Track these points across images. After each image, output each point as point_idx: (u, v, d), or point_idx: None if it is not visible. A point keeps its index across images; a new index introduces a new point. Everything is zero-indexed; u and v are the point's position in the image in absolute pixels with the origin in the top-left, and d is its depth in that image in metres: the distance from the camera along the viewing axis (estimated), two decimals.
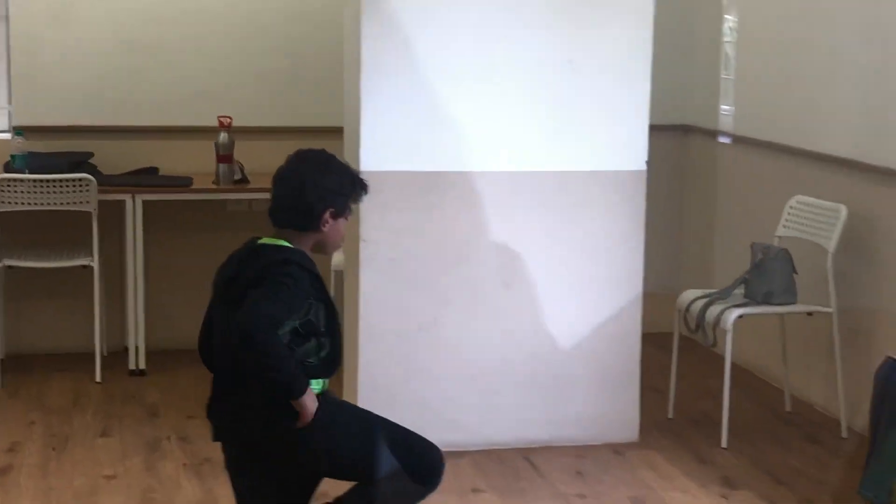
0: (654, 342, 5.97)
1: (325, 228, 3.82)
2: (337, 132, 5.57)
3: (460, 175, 5.11)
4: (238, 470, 3.87)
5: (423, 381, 5.15)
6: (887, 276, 5.41)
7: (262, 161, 6.50)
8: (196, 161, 6.44)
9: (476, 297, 5.18)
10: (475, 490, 4.84)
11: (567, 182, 5.20)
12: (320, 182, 3.79)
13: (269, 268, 3.70)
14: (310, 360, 3.74)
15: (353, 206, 3.89)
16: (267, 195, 6.46)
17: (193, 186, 6.23)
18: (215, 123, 6.25)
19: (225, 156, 6.25)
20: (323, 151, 3.90)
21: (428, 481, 3.85)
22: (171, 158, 6.48)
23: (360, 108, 5.01)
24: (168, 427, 5.47)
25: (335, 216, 3.82)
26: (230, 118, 6.25)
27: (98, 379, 6.05)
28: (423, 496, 3.88)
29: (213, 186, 6.26)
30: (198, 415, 5.53)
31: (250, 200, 6.52)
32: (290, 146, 6.63)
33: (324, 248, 3.89)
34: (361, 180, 3.90)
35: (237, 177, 6.27)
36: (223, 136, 6.23)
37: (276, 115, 6.57)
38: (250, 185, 6.27)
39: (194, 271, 6.59)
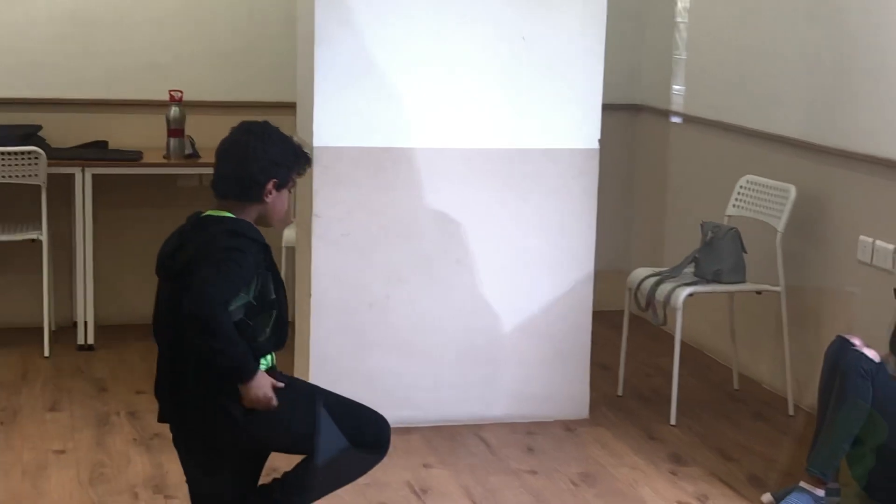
0: (604, 320, 6.01)
1: (269, 200, 3.81)
2: (290, 107, 5.56)
3: (414, 151, 5.10)
4: (185, 448, 3.87)
5: (375, 356, 5.15)
6: (835, 256, 5.46)
7: (214, 136, 6.32)
8: (146, 135, 6.39)
9: (428, 274, 5.18)
10: (426, 465, 4.85)
11: (520, 159, 5.21)
12: (263, 153, 3.77)
13: (216, 239, 3.69)
14: (265, 333, 3.74)
15: (296, 178, 3.89)
16: None
17: (144, 160, 6.19)
18: (166, 97, 6.20)
19: (176, 130, 6.21)
20: (266, 123, 3.89)
21: (375, 451, 3.88)
22: (122, 132, 6.42)
23: (313, 83, 4.99)
24: (117, 402, 5.44)
25: (278, 187, 3.82)
26: (181, 92, 6.20)
27: (46, 354, 6.01)
28: (370, 466, 3.93)
29: (164, 161, 6.21)
30: (147, 390, 5.50)
31: (201, 175, 6.48)
32: (242, 120, 6.64)
33: (268, 220, 3.87)
34: (304, 152, 3.91)
35: (188, 151, 6.23)
36: (174, 110, 6.19)
37: (229, 90, 6.53)
38: (201, 160, 6.22)
39: (144, 246, 6.52)
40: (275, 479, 3.90)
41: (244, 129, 3.85)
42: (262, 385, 3.68)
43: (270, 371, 3.76)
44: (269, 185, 3.78)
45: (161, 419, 3.85)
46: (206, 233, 3.73)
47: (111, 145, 6.36)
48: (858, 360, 4.36)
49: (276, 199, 3.83)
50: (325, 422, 3.81)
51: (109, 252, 6.47)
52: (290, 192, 3.88)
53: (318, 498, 3.96)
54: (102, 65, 6.40)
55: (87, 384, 5.68)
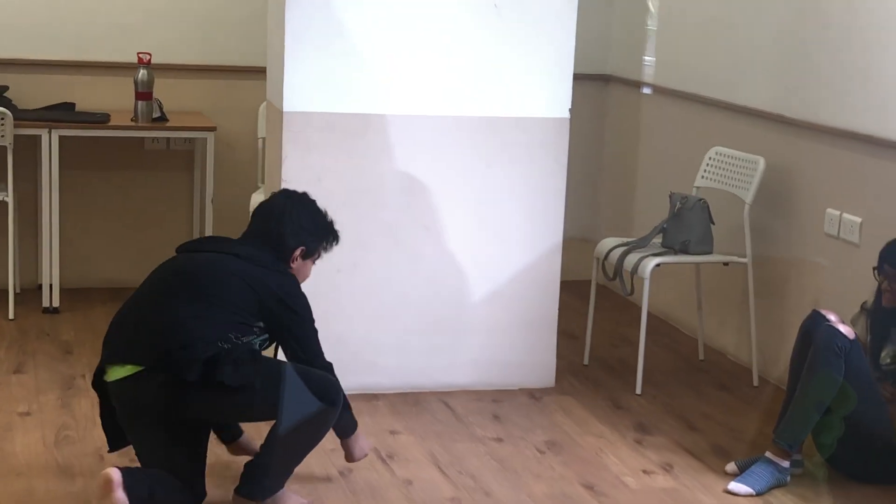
0: (571, 290, 6.02)
1: (293, 265, 4.08)
2: (259, 72, 5.53)
3: (384, 118, 5.09)
4: (130, 422, 3.95)
5: (342, 323, 5.14)
6: (802, 229, 5.49)
7: (182, 99, 6.45)
8: (114, 97, 6.34)
9: (396, 241, 5.18)
10: (392, 432, 4.86)
11: (490, 127, 5.20)
12: (298, 218, 4.07)
13: (288, 292, 3.98)
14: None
15: (322, 252, 4.16)
16: (184, 134, 6.46)
17: (111, 123, 6.14)
18: (134, 59, 6.15)
19: (144, 93, 6.16)
20: (307, 194, 4.18)
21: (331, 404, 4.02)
22: (89, 94, 6.37)
23: (284, 47, 4.96)
24: (82, 365, 5.41)
25: (304, 256, 4.09)
26: (150, 54, 6.15)
27: (11, 316, 5.97)
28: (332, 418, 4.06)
29: (132, 124, 6.17)
30: None
31: (168, 139, 6.46)
32: (211, 84, 6.65)
33: None
34: (335, 230, 4.17)
35: (156, 115, 6.19)
36: (142, 73, 6.14)
37: (198, 53, 6.47)
38: (169, 124, 6.19)
39: (110, 209, 6.54)
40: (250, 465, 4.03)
41: (284, 194, 4.19)
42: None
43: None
44: (297, 252, 4.06)
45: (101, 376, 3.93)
46: (267, 261, 4.04)
47: (78, 107, 6.30)
48: (833, 337, 4.38)
49: (301, 267, 4.11)
50: (291, 394, 3.88)
51: (75, 214, 6.43)
52: (314, 263, 4.16)
53: (299, 461, 4.10)
54: (71, 26, 6.34)
55: (53, 347, 5.65)
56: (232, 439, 4.31)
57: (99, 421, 4.72)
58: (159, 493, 3.78)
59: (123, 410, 3.92)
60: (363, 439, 4.33)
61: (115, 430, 4.01)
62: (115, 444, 4.05)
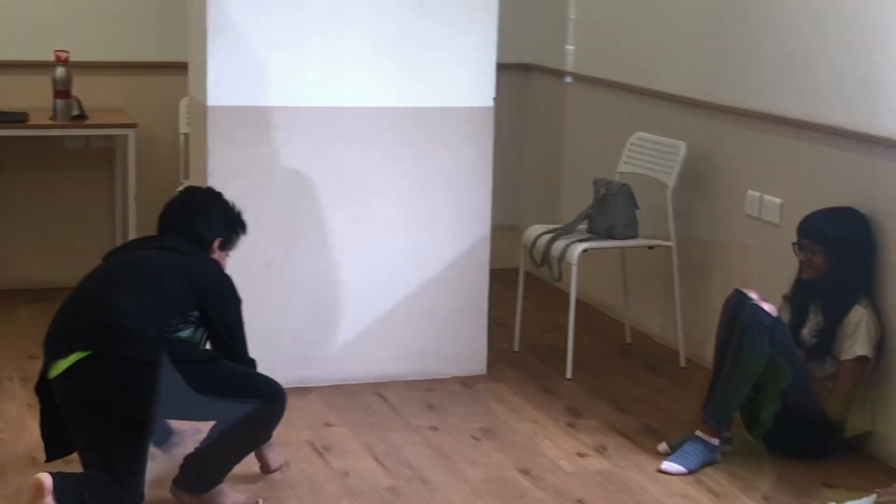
0: (499, 278, 6.04)
1: (213, 257, 4.13)
2: (179, 67, 5.50)
3: (309, 110, 5.08)
4: (74, 415, 3.89)
5: (272, 317, 5.12)
6: (724, 211, 5.56)
7: (101, 97, 6.38)
8: (32, 96, 6.24)
9: (325, 233, 5.17)
10: (327, 424, 4.86)
11: (415, 118, 5.21)
12: (210, 212, 4.15)
13: (220, 277, 4.05)
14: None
15: (234, 244, 4.23)
16: (104, 131, 6.40)
17: (29, 122, 6.06)
18: (52, 57, 6.08)
19: (62, 91, 6.09)
20: (212, 188, 4.31)
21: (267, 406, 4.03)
22: (6, 93, 6.26)
23: (206, 41, 4.93)
24: (9, 367, 5.34)
25: (221, 247, 4.16)
26: (68, 52, 6.08)
27: None
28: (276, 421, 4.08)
29: (50, 122, 6.09)
30: (39, 354, 5.44)
31: (88, 137, 6.39)
32: (131, 81, 6.57)
33: None
34: (243, 220, 4.24)
35: (75, 112, 6.12)
36: (60, 71, 6.07)
37: (116, 50, 6.40)
38: (88, 122, 6.13)
39: (32, 209, 6.46)
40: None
41: (190, 192, 4.27)
42: None
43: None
44: (215, 244, 4.13)
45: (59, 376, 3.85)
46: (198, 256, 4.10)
47: None
48: (758, 315, 4.45)
49: (219, 259, 4.17)
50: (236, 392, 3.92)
51: None
52: (228, 255, 4.21)
53: (240, 459, 4.12)
54: None
55: None
56: None
57: (29, 423, 4.66)
58: (91, 500, 3.72)
59: (69, 402, 3.84)
60: (277, 449, 4.34)
61: (54, 437, 3.95)
62: (52, 454, 3.98)
